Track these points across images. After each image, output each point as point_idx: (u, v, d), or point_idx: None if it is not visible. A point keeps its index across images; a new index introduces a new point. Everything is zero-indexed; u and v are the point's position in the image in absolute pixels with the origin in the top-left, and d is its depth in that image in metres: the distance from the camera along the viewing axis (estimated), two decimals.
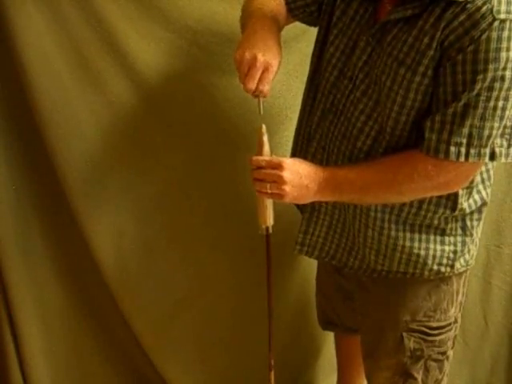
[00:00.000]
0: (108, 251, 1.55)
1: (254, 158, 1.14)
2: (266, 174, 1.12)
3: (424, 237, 1.18)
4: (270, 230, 1.22)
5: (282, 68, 1.56)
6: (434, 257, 1.18)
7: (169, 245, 1.62)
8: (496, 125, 1.01)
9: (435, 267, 1.19)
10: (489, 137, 1.02)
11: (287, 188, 1.10)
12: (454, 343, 1.31)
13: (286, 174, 1.10)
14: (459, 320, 1.31)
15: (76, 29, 1.40)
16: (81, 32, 1.40)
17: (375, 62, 1.11)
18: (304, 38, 1.55)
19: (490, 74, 0.97)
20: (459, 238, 1.20)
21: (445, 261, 1.19)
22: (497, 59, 0.96)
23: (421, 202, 1.15)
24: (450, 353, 1.30)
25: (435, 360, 1.27)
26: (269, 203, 1.19)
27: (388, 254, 1.20)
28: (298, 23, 1.54)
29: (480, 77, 0.97)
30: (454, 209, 1.15)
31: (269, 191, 1.12)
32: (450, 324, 1.27)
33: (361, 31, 1.14)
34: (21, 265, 1.53)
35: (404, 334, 1.24)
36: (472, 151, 1.02)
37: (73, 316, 1.64)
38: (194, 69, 1.51)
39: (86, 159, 1.49)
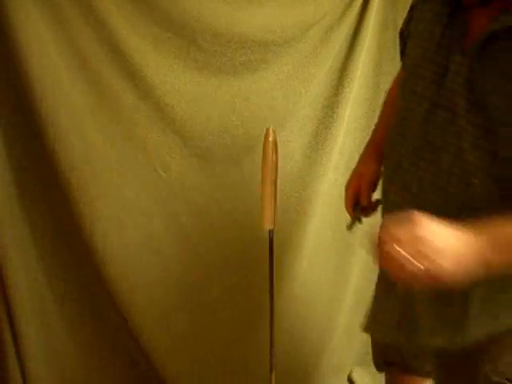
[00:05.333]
0: (108, 251, 1.55)
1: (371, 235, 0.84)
2: (410, 249, 0.79)
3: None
4: (273, 233, 1.23)
5: (282, 68, 1.58)
6: None
7: (169, 245, 1.62)
8: None
9: None
10: None
11: (442, 260, 0.78)
12: None
13: (435, 241, 0.79)
14: None
15: (76, 29, 1.40)
16: (81, 32, 1.40)
17: (477, 83, 0.91)
18: (304, 38, 1.56)
19: None
20: None
21: None
22: None
23: None
24: None
25: None
26: (272, 206, 1.19)
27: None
28: (296, 23, 1.55)
29: None
30: None
31: (420, 270, 0.78)
32: None
33: (449, 52, 0.95)
34: (20, 265, 1.52)
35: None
36: None
37: (73, 316, 1.64)
38: (194, 69, 1.51)
39: (86, 159, 1.49)
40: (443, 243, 0.79)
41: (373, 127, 1.24)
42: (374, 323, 1.12)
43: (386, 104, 1.29)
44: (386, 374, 1.41)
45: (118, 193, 1.55)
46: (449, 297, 0.98)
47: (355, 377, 1.91)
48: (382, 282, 1.14)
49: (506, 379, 1.04)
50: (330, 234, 1.73)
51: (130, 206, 1.57)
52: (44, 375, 1.62)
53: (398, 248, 0.77)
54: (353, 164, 1.74)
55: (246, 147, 1.57)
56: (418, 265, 0.77)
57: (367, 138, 1.63)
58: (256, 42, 1.51)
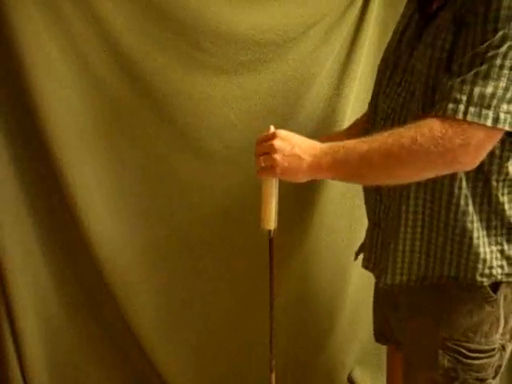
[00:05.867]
0: (108, 251, 1.55)
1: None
2: (260, 146, 1.13)
3: (475, 242, 1.11)
4: (274, 233, 1.22)
5: (282, 68, 1.58)
6: (485, 260, 1.11)
7: (169, 245, 1.62)
8: (502, 85, 0.96)
9: (486, 271, 1.11)
10: (492, 97, 0.96)
11: (277, 157, 1.09)
12: (497, 372, 1.19)
13: (277, 142, 1.09)
14: (509, 349, 1.20)
15: (76, 29, 1.39)
16: (80, 32, 1.40)
17: (414, 57, 1.14)
18: (304, 38, 1.55)
19: (500, 33, 0.95)
20: (505, 237, 1.12)
21: (495, 262, 1.11)
22: (509, 18, 0.95)
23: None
24: (492, 382, 1.18)
25: None
26: (273, 206, 1.19)
27: (438, 259, 1.14)
28: (296, 23, 1.55)
29: (489, 36, 0.96)
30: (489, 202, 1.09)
31: (262, 164, 1.11)
32: (492, 350, 1.16)
33: (406, 39, 1.20)
34: (21, 265, 1.52)
35: (439, 351, 1.16)
36: (471, 109, 0.96)
37: (73, 316, 1.64)
38: (194, 68, 1.51)
39: (85, 159, 1.49)
40: (284, 144, 1.09)
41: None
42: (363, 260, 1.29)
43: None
44: (386, 351, 1.52)
45: (117, 193, 1.55)
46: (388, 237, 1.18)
47: (355, 377, 1.91)
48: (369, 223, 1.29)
49: (460, 345, 1.14)
50: (330, 233, 1.73)
51: (129, 206, 1.57)
52: (44, 375, 1.62)
53: (256, 150, 1.13)
54: None
55: (246, 147, 1.57)
56: (262, 160, 1.11)
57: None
58: (256, 42, 1.50)
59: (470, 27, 0.99)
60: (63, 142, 1.44)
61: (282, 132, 1.11)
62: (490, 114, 0.96)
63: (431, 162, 1.01)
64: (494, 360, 1.17)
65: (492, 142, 1.02)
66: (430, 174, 1.05)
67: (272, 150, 1.09)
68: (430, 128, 0.99)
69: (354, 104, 1.66)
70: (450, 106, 0.98)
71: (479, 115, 0.96)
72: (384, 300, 1.37)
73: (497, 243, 1.12)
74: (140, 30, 1.44)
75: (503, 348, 1.18)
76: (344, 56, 1.64)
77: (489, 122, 0.97)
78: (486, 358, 1.16)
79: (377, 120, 1.23)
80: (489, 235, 1.12)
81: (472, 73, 0.97)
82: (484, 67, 0.96)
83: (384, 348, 1.55)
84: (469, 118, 0.97)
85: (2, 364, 1.58)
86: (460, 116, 0.97)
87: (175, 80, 1.50)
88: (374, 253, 1.26)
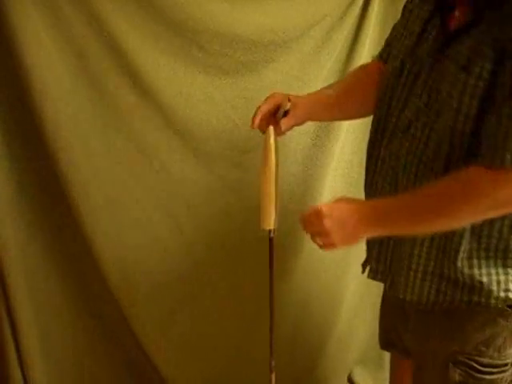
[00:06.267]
0: (108, 251, 1.55)
1: (300, 216, 1.10)
2: (312, 229, 1.08)
3: (485, 263, 1.06)
4: (274, 233, 1.22)
5: (283, 68, 1.58)
6: (499, 282, 1.06)
7: (169, 245, 1.62)
8: None
9: (502, 294, 1.06)
10: None
11: (334, 237, 1.05)
12: None
13: (327, 223, 1.04)
14: None
15: (76, 29, 1.39)
16: (81, 32, 1.40)
17: (439, 72, 1.03)
18: (304, 38, 1.55)
19: None
20: None
21: (510, 285, 1.06)
22: None
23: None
24: None
25: None
26: (273, 206, 1.19)
27: (450, 283, 1.09)
28: (296, 23, 1.55)
29: None
30: None
31: (320, 243, 1.08)
32: (505, 364, 1.12)
33: (427, 47, 1.08)
34: (21, 265, 1.52)
35: (450, 365, 1.12)
36: None
37: (73, 316, 1.64)
38: (195, 68, 1.51)
39: (85, 159, 1.49)
40: (334, 222, 1.04)
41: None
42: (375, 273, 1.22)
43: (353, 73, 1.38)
44: (390, 357, 1.48)
45: (117, 193, 1.55)
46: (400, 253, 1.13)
47: (355, 377, 1.91)
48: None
49: (472, 359, 1.10)
50: None
51: (129, 206, 1.57)
52: (44, 375, 1.63)
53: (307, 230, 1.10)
54: (353, 164, 1.74)
55: (246, 147, 1.57)
56: (318, 241, 1.08)
57: (367, 138, 1.62)
58: (256, 42, 1.50)
59: None
60: (63, 142, 1.44)
61: (325, 211, 1.05)
62: None
63: (483, 213, 0.99)
64: (507, 375, 1.13)
65: None
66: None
67: (325, 233, 1.06)
68: (479, 180, 0.95)
69: None
70: (508, 156, 0.91)
71: None
72: (393, 309, 1.32)
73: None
74: (140, 31, 1.43)
75: None
76: (345, 56, 1.64)
77: None
78: (499, 372, 1.12)
79: (388, 127, 1.15)
80: (503, 257, 1.07)
81: None
82: None
83: None
84: None
85: (2, 362, 1.59)
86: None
87: (176, 80, 1.50)
88: (384, 264, 1.21)
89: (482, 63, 0.94)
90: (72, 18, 1.38)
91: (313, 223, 1.07)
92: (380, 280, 1.23)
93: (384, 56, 1.26)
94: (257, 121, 1.19)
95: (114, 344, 1.70)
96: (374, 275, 1.24)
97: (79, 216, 1.50)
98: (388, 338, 1.39)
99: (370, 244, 1.23)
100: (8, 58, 1.35)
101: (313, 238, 1.09)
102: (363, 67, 1.36)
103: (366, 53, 1.64)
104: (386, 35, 1.28)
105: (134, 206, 1.57)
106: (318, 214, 1.05)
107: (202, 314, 1.69)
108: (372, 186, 1.18)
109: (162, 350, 1.68)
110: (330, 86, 1.34)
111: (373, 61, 1.31)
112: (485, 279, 1.05)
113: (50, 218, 1.56)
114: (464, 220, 1.01)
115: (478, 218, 1.00)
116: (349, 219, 1.04)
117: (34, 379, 1.60)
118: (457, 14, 1.03)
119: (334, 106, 1.28)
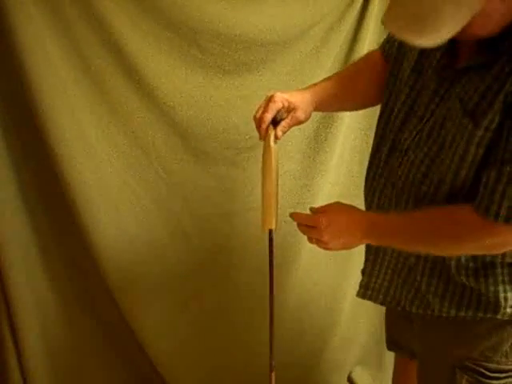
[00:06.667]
0: (108, 251, 1.55)
1: (295, 214, 1.13)
2: (308, 231, 1.11)
3: (491, 279, 1.06)
4: (274, 233, 1.22)
5: (282, 68, 1.58)
6: (506, 299, 1.06)
7: (170, 245, 1.62)
8: None
9: (509, 310, 1.06)
10: None
11: (330, 246, 1.09)
12: None
13: (325, 236, 1.07)
14: None
15: (76, 29, 1.39)
16: (81, 32, 1.40)
17: (445, 105, 1.02)
18: (304, 38, 1.55)
19: None
20: None
21: None
22: None
23: None
24: None
25: None
26: (273, 206, 1.19)
27: (455, 299, 1.09)
28: (296, 23, 1.55)
29: None
30: None
31: (315, 244, 1.12)
32: None
33: (434, 72, 1.06)
34: (21, 265, 1.53)
35: (457, 370, 1.12)
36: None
37: (73, 316, 1.64)
38: (195, 69, 1.51)
39: (86, 159, 1.49)
40: (332, 234, 1.07)
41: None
42: (365, 289, 1.24)
43: (355, 64, 1.35)
44: (395, 358, 1.49)
45: (118, 193, 1.55)
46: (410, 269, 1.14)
47: (355, 377, 1.91)
48: (369, 254, 1.23)
49: (479, 365, 1.10)
50: None
51: (130, 207, 1.57)
52: (44, 375, 1.62)
53: (301, 229, 1.12)
54: (353, 164, 1.74)
55: (246, 147, 1.57)
56: (314, 242, 1.10)
57: (367, 138, 1.62)
58: (256, 42, 1.50)
59: None
60: (63, 142, 1.44)
61: (325, 222, 1.07)
62: None
63: (469, 251, 1.04)
64: None
65: None
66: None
67: (323, 243, 1.09)
68: (473, 225, 0.97)
69: None
70: (503, 213, 0.93)
71: None
72: (398, 312, 1.29)
73: None
74: (141, 30, 1.44)
75: None
76: (344, 56, 1.64)
77: None
78: (506, 377, 1.11)
79: (382, 149, 1.16)
80: (510, 273, 1.07)
81: None
82: None
83: (384, 348, 1.54)
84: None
85: (1, 364, 1.59)
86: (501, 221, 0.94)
87: (176, 80, 1.50)
88: (377, 277, 1.22)
89: (491, 116, 0.93)
90: (73, 18, 1.38)
91: (311, 232, 1.10)
92: (370, 298, 1.24)
93: (386, 48, 1.24)
94: (263, 132, 1.16)
95: (114, 344, 1.70)
96: (364, 291, 1.25)
97: (79, 216, 1.50)
98: (393, 339, 1.40)
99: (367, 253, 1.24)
100: (8, 57, 1.35)
101: (310, 240, 1.13)
102: (365, 58, 1.34)
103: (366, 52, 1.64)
104: (386, 35, 1.28)
105: (134, 205, 1.57)
106: (316, 223, 1.08)
107: (201, 314, 1.69)
108: (370, 191, 1.19)
109: (162, 351, 1.68)
110: (329, 78, 1.31)
111: (375, 51, 1.29)
112: (491, 295, 1.06)
113: (50, 218, 1.56)
114: (449, 253, 1.05)
115: (462, 253, 1.04)
116: (346, 230, 1.08)
117: (33, 379, 1.60)
118: (465, 50, 1.01)
119: (334, 98, 1.26)
